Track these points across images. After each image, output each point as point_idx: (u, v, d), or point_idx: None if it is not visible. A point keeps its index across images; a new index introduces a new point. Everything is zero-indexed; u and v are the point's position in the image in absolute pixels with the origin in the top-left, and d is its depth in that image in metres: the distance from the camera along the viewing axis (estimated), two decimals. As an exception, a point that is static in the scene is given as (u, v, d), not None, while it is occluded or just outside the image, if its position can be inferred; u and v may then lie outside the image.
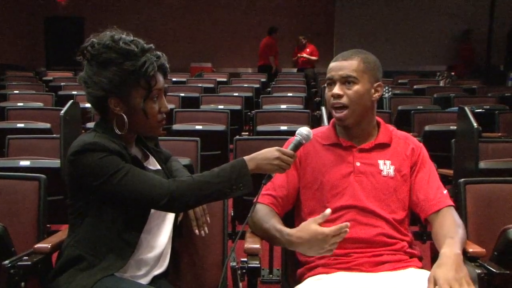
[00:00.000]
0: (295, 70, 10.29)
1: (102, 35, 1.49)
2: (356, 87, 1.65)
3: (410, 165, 1.70)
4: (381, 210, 1.64)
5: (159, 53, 1.53)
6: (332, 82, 1.69)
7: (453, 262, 1.42)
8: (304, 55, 9.78)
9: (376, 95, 1.70)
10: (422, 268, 1.63)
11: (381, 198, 1.65)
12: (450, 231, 1.57)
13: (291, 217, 1.78)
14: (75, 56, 1.53)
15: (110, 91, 1.46)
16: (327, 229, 1.45)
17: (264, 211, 1.69)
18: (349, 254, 1.61)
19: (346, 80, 1.65)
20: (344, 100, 1.65)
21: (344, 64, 1.66)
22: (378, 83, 1.70)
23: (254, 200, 1.61)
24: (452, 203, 1.67)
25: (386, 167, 1.68)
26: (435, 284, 1.39)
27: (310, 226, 1.48)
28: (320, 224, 1.56)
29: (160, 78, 1.52)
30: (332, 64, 1.69)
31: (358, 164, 1.68)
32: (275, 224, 1.62)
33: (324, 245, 1.45)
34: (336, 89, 1.66)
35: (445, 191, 1.70)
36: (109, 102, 1.48)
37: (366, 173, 1.67)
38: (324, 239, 1.45)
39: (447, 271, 1.39)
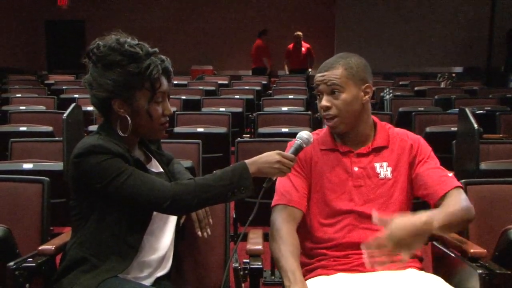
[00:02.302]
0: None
1: (108, 38, 1.52)
2: (343, 96, 1.64)
3: (409, 161, 1.69)
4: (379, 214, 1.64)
5: (163, 57, 1.55)
6: (320, 94, 1.69)
7: (414, 226, 1.41)
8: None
9: (366, 97, 1.68)
10: (422, 268, 1.64)
11: (379, 202, 1.65)
12: (447, 206, 1.55)
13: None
14: (76, 59, 1.55)
15: (114, 93, 1.48)
16: None
17: (284, 231, 1.60)
18: (348, 255, 1.62)
19: (332, 91, 1.65)
20: (333, 111, 1.65)
21: (327, 75, 1.65)
22: (366, 84, 1.67)
23: (272, 205, 1.64)
24: (459, 184, 1.64)
25: (383, 169, 1.68)
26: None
27: None
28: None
29: (164, 81, 1.54)
30: (317, 76, 1.69)
31: (356, 169, 1.67)
32: (287, 261, 1.54)
33: None
34: (324, 101, 1.66)
35: (450, 174, 1.67)
36: (113, 103, 1.50)
37: (363, 177, 1.67)
38: None
39: (403, 230, 1.39)
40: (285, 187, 1.66)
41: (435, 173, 1.66)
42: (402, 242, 1.39)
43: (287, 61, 9.85)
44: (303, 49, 9.57)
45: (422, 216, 1.43)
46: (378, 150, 1.70)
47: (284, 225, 1.62)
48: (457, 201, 1.58)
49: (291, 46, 9.74)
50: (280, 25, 11.46)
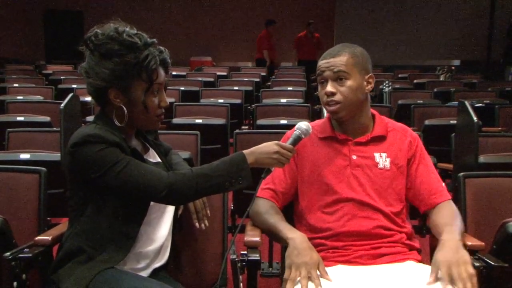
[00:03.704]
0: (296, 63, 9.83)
1: (106, 27, 1.50)
2: (349, 83, 1.65)
3: (407, 158, 1.71)
4: (378, 203, 1.64)
5: (161, 47, 1.54)
6: (324, 80, 1.69)
7: (452, 246, 1.47)
8: None
9: (369, 87, 1.70)
10: (421, 261, 1.64)
11: (378, 190, 1.66)
12: (449, 220, 1.61)
13: (290, 211, 1.79)
14: (75, 49, 1.53)
15: (111, 82, 1.47)
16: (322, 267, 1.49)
17: (266, 206, 1.70)
18: (347, 247, 1.62)
19: (338, 77, 1.65)
20: (337, 97, 1.66)
21: (333, 61, 1.66)
22: (369, 75, 1.70)
23: (256, 195, 1.61)
24: (450, 197, 1.71)
25: (382, 159, 1.69)
26: (437, 269, 1.43)
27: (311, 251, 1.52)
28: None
29: (162, 72, 1.53)
30: (321, 62, 1.69)
31: (354, 157, 1.68)
32: (278, 221, 1.64)
33: (310, 269, 1.46)
34: (329, 87, 1.66)
35: (443, 184, 1.73)
36: (109, 93, 1.48)
37: (362, 166, 1.67)
38: (315, 264, 1.48)
39: (446, 254, 1.45)
40: (266, 180, 1.65)
41: (430, 181, 1.70)
42: (455, 261, 1.42)
43: (296, 50, 9.59)
44: (314, 40, 9.28)
45: (454, 238, 1.51)
46: (377, 140, 1.71)
47: (271, 206, 1.70)
48: (456, 215, 1.65)
49: (302, 34, 9.46)
50: (279, 17, 11.39)
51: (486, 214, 1.88)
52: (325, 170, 1.68)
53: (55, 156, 2.73)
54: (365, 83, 1.68)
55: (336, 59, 1.66)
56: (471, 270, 1.41)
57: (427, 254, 1.79)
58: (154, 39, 1.53)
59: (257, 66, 9.61)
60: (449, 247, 1.47)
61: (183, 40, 11.57)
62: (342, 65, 1.65)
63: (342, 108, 1.66)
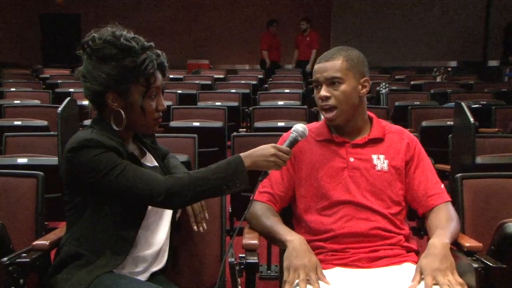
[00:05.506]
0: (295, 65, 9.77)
1: (103, 31, 1.50)
2: (342, 87, 1.65)
3: (405, 160, 1.71)
4: (376, 205, 1.65)
5: (158, 51, 1.54)
6: (318, 84, 1.70)
7: (439, 253, 1.47)
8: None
9: (364, 90, 1.70)
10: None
11: (376, 192, 1.66)
12: (442, 222, 1.62)
13: (289, 214, 1.79)
14: (72, 53, 1.54)
15: (108, 86, 1.47)
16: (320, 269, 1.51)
17: (263, 209, 1.70)
18: (346, 249, 1.62)
19: (332, 81, 1.66)
20: (332, 101, 1.67)
21: (327, 66, 1.67)
22: (365, 78, 1.70)
23: (251, 197, 1.61)
24: (449, 199, 1.70)
25: (380, 161, 1.69)
26: (421, 274, 1.45)
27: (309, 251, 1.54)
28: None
29: (159, 76, 1.53)
30: (316, 66, 1.70)
31: (351, 159, 1.69)
32: (276, 224, 1.65)
33: (309, 271, 1.48)
34: (323, 92, 1.67)
35: (442, 186, 1.73)
36: (107, 97, 1.48)
37: (360, 168, 1.68)
38: (313, 266, 1.49)
39: (432, 262, 1.45)
40: (263, 183, 1.65)
41: (428, 182, 1.70)
42: (442, 270, 1.44)
43: (296, 51, 9.53)
44: (308, 38, 9.23)
45: (442, 243, 1.51)
46: (374, 142, 1.72)
47: (268, 209, 1.70)
48: (451, 218, 1.65)
49: (299, 35, 9.42)
50: (276, 18, 11.42)
51: (484, 215, 1.88)
52: (322, 172, 1.69)
53: (53, 160, 2.73)
54: (360, 86, 1.69)
55: (330, 63, 1.66)
56: (460, 279, 1.43)
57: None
58: (151, 43, 1.53)
59: (261, 67, 9.53)
60: (436, 254, 1.47)
61: (180, 43, 11.56)
62: (336, 70, 1.65)
63: (339, 115, 1.67)
